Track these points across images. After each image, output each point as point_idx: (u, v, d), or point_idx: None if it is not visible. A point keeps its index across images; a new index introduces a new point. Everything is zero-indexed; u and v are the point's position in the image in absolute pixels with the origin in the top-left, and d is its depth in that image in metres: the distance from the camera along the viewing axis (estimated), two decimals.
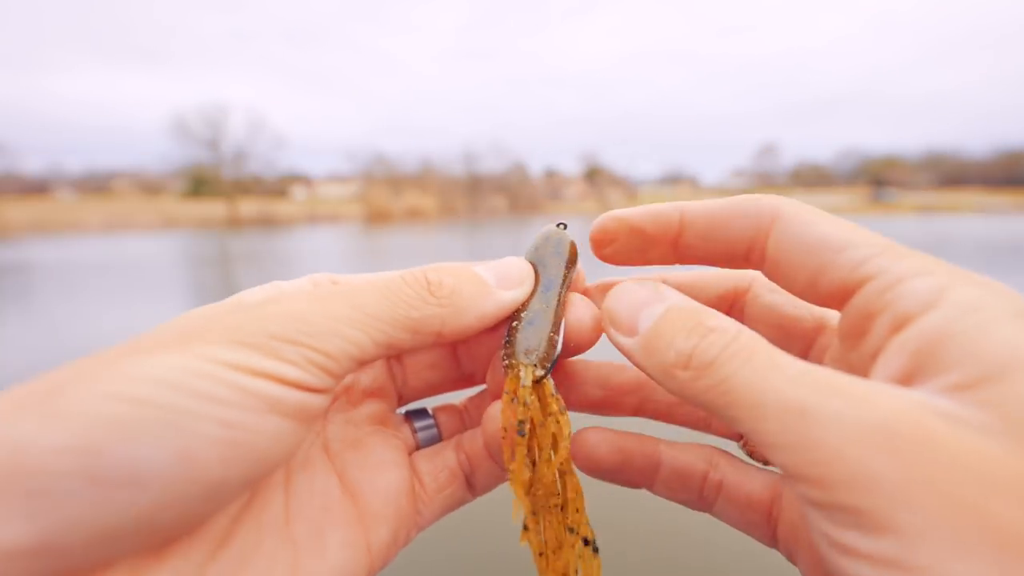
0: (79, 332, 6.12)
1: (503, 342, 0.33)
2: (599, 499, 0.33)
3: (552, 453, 0.32)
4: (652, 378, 0.28)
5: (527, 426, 0.30)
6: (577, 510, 0.32)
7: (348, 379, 0.35)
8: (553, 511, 0.32)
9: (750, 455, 0.36)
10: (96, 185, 57.79)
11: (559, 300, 0.33)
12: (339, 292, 0.29)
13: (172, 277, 11.25)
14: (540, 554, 0.33)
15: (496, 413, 0.32)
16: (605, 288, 0.37)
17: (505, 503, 0.33)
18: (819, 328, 0.34)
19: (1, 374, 4.65)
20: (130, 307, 7.63)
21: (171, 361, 0.23)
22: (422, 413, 0.38)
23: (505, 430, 0.31)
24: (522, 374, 0.31)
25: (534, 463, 0.32)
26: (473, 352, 0.38)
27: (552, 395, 0.31)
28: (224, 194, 43.32)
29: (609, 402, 0.37)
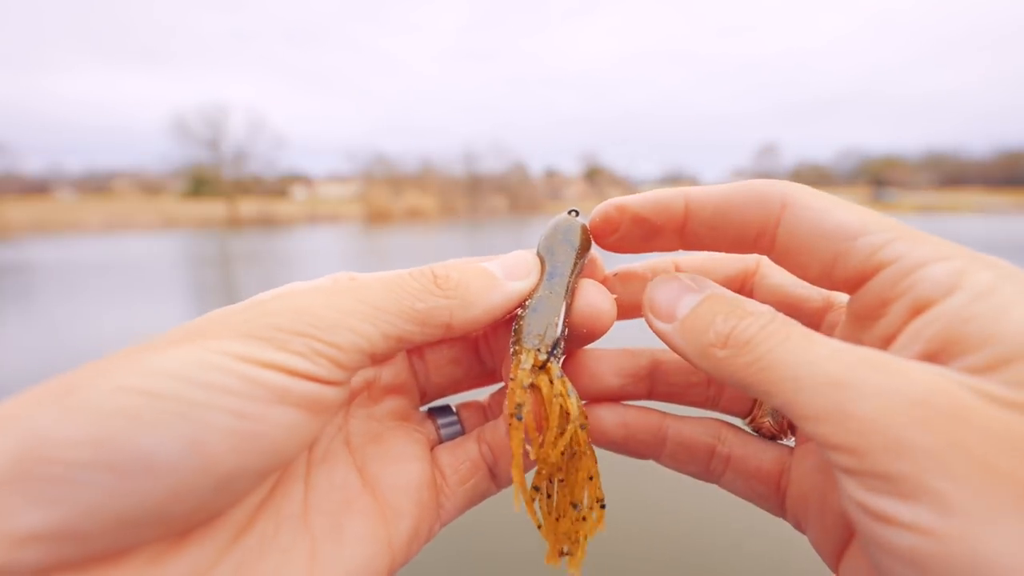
0: (80, 333, 6.12)
1: (511, 332, 0.33)
2: (609, 471, 0.34)
3: (561, 436, 0.31)
4: (687, 359, 0.29)
5: (525, 409, 0.30)
6: (590, 479, 0.32)
7: (369, 374, 0.35)
8: (560, 486, 0.33)
9: (757, 430, 0.36)
10: (96, 185, 57.78)
11: (567, 287, 0.33)
12: (346, 287, 0.29)
13: (172, 277, 11.24)
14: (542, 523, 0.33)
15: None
16: (625, 276, 0.37)
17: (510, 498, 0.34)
18: (827, 307, 0.35)
19: (3, 375, 4.65)
20: (131, 307, 7.63)
21: (182, 355, 0.23)
22: (446, 410, 0.38)
23: (509, 416, 0.31)
24: (523, 358, 0.31)
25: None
26: (493, 347, 0.38)
27: (557, 377, 0.31)
28: (224, 194, 43.30)
29: (626, 389, 0.37)
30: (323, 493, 0.30)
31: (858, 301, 0.27)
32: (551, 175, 63.95)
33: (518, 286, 0.33)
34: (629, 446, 0.36)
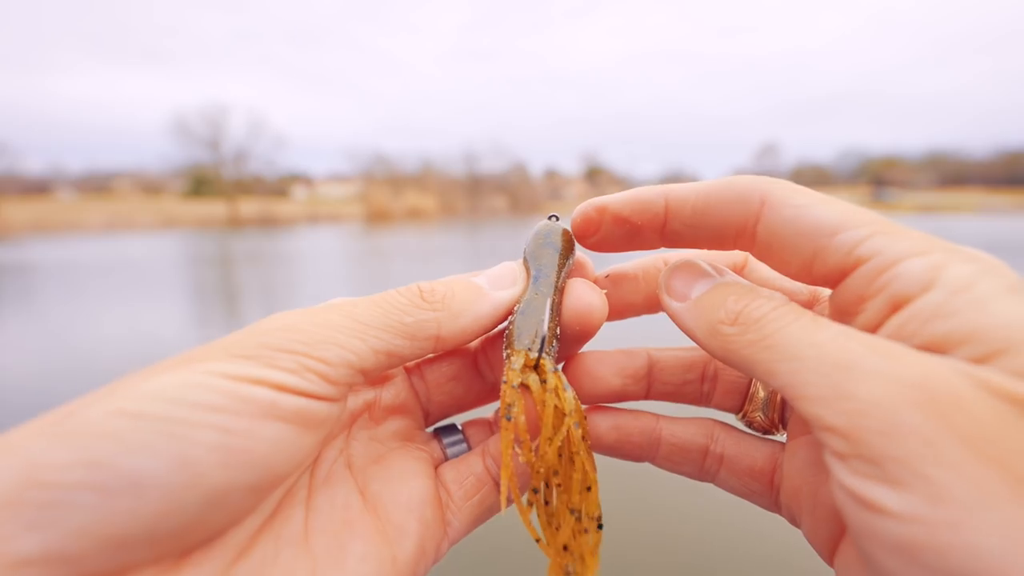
0: (80, 333, 6.13)
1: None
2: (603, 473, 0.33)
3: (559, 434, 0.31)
4: (695, 338, 0.29)
5: (515, 410, 0.30)
6: (588, 489, 0.31)
7: (369, 396, 0.35)
8: (558, 491, 0.32)
9: (749, 425, 0.37)
10: (97, 185, 57.79)
11: (555, 287, 0.33)
12: (335, 306, 0.29)
13: (173, 277, 11.25)
14: (540, 534, 0.32)
15: None
16: (616, 278, 0.38)
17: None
18: (813, 300, 0.35)
19: (3, 375, 4.65)
20: (132, 308, 7.63)
21: (171, 378, 0.24)
22: (451, 429, 0.38)
23: (501, 417, 0.31)
24: (513, 359, 0.31)
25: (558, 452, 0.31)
26: (492, 361, 0.38)
27: (551, 371, 0.31)
28: (225, 194, 43.34)
29: (627, 390, 0.37)
30: (324, 515, 0.29)
31: (839, 297, 0.27)
32: (551, 175, 63.98)
33: (504, 294, 0.34)
34: (624, 449, 0.36)
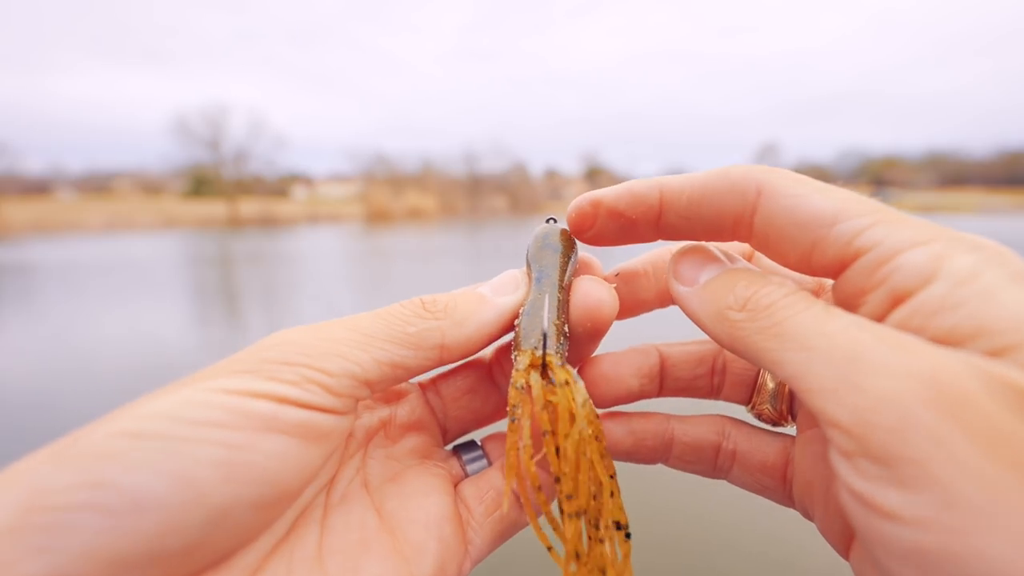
0: (81, 334, 6.13)
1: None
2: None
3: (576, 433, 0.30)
4: (701, 324, 0.29)
5: (518, 411, 0.29)
6: (612, 494, 0.30)
7: (384, 414, 0.35)
8: (584, 506, 0.30)
9: (759, 417, 0.36)
10: (97, 185, 57.79)
11: (558, 285, 0.33)
12: (337, 320, 0.29)
13: (173, 277, 11.25)
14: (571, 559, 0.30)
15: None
16: (627, 276, 0.37)
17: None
18: (819, 289, 0.35)
19: (5, 376, 4.65)
20: (132, 308, 7.64)
21: (173, 397, 0.24)
22: (471, 445, 0.37)
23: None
24: (518, 360, 0.30)
25: (557, 450, 0.30)
26: (507, 371, 0.37)
27: (559, 366, 0.30)
28: (225, 194, 43.33)
29: (644, 390, 0.37)
30: (339, 535, 0.29)
31: (840, 289, 0.26)
32: (551, 175, 63.95)
33: (507, 300, 0.33)
34: (640, 454, 0.36)
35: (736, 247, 0.36)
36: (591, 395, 0.32)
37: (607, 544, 0.30)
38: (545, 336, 0.30)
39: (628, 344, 0.38)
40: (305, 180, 63.60)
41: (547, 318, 0.31)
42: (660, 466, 0.37)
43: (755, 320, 0.25)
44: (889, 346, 0.21)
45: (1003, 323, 0.20)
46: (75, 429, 0.22)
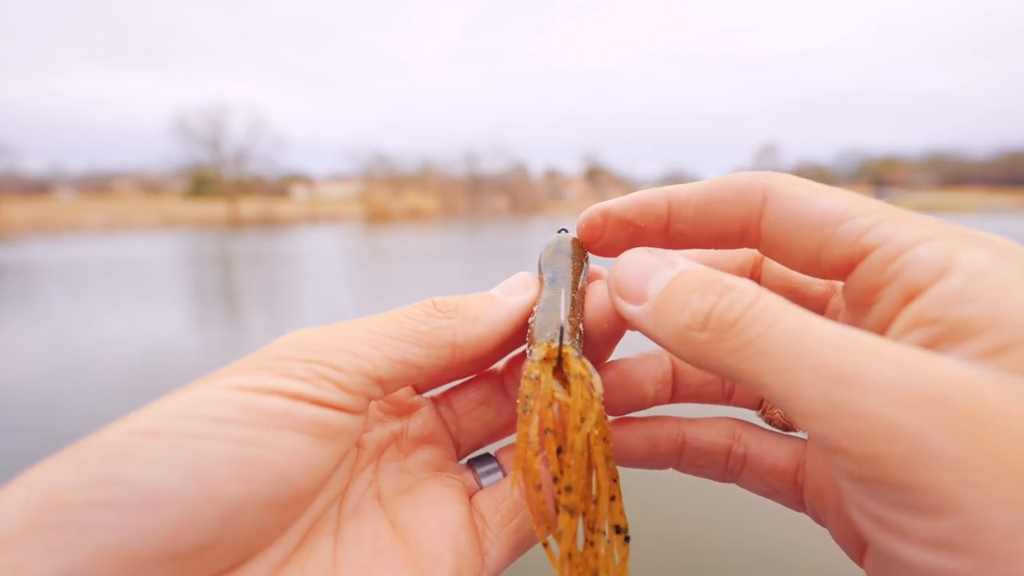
0: (81, 334, 6.13)
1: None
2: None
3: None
4: (665, 347, 0.26)
5: (531, 402, 0.28)
6: (613, 498, 0.29)
7: (396, 427, 0.35)
8: (585, 503, 0.29)
9: (770, 422, 0.36)
10: (97, 185, 57.81)
11: (571, 285, 0.33)
12: (349, 321, 0.30)
13: (174, 277, 11.26)
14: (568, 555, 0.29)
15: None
16: None
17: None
18: (831, 291, 0.34)
19: (6, 377, 4.66)
20: (133, 308, 7.64)
21: (187, 395, 0.24)
22: (485, 458, 0.37)
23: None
24: (533, 352, 0.30)
25: (559, 449, 0.29)
26: (520, 379, 0.36)
27: (575, 357, 0.29)
28: (225, 194, 43.37)
29: (658, 396, 0.36)
30: (353, 545, 0.29)
31: (850, 288, 0.26)
32: (552, 175, 63.99)
33: (517, 299, 0.33)
34: (654, 460, 0.35)
35: (746, 255, 0.36)
36: (606, 402, 0.32)
37: (600, 547, 0.29)
38: (562, 329, 0.30)
39: (625, 346, 0.36)
40: (305, 180, 63.65)
41: (563, 312, 0.31)
42: (668, 469, 0.36)
43: (722, 340, 0.23)
44: (882, 360, 0.20)
45: (1013, 319, 0.20)
46: (75, 429, 0.21)
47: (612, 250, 0.34)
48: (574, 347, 0.30)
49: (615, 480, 0.29)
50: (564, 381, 0.29)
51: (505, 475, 0.36)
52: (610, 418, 0.33)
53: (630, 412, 0.36)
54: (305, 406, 0.25)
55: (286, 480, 0.24)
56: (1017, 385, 0.19)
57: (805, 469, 0.32)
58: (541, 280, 0.35)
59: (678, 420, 0.35)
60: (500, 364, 0.37)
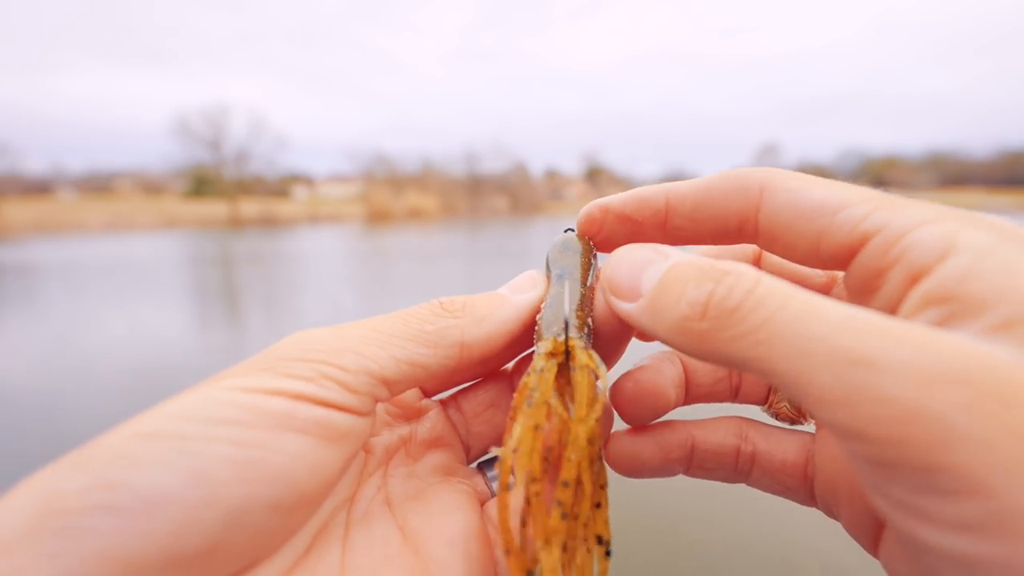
0: (82, 335, 6.14)
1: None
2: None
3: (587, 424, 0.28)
4: (666, 342, 0.26)
5: (536, 395, 0.27)
6: (597, 506, 0.28)
7: (404, 431, 0.35)
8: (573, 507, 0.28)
9: (776, 416, 0.35)
10: (98, 185, 57.84)
11: (582, 282, 0.33)
12: (356, 321, 0.29)
13: (175, 277, 11.27)
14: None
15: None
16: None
17: None
18: (831, 282, 0.34)
19: (7, 377, 4.66)
20: (133, 308, 7.65)
21: (189, 397, 0.24)
22: (495, 462, 0.36)
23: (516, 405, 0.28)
24: (539, 347, 0.29)
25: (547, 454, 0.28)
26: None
27: (582, 348, 0.29)
28: (226, 194, 43.37)
29: (677, 399, 0.35)
30: (361, 552, 0.28)
31: (852, 276, 0.26)
32: (552, 175, 63.99)
33: (525, 297, 0.33)
34: (668, 467, 0.34)
35: (737, 252, 0.36)
36: (630, 412, 0.32)
37: (578, 555, 0.28)
38: (567, 322, 0.29)
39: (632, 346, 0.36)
40: (306, 180, 63.67)
41: (568, 305, 0.30)
42: (688, 476, 0.36)
43: (726, 328, 0.22)
44: (897, 342, 0.19)
45: (1022, 293, 0.19)
46: (77, 430, 0.24)
47: (611, 245, 0.34)
48: (585, 341, 0.30)
49: (603, 487, 0.28)
50: (568, 381, 0.29)
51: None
52: (622, 427, 0.32)
53: (655, 420, 0.35)
54: (308, 407, 0.25)
55: (289, 482, 0.24)
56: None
57: (815, 462, 0.32)
58: (549, 278, 0.34)
59: (685, 424, 0.35)
60: (509, 366, 0.37)
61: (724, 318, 0.23)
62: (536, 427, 0.27)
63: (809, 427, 0.35)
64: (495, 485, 0.34)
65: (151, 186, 55.95)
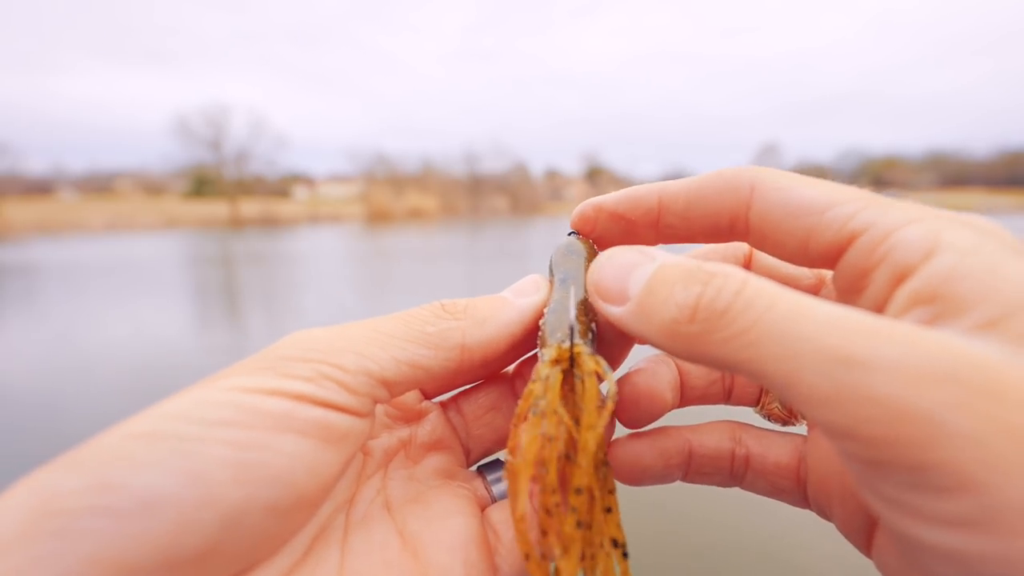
0: (83, 335, 6.14)
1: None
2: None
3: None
4: (655, 345, 0.26)
5: (542, 403, 0.27)
6: (609, 510, 0.28)
7: (404, 434, 0.34)
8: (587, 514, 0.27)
9: (768, 417, 0.35)
10: (99, 185, 57.91)
11: (583, 286, 0.32)
12: (357, 322, 0.29)
13: (175, 278, 11.27)
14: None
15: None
16: None
17: None
18: (820, 283, 0.34)
19: (8, 378, 4.67)
20: (134, 308, 7.65)
21: (187, 397, 0.24)
22: (496, 465, 0.36)
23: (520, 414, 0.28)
24: (544, 354, 0.29)
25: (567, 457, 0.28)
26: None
27: (588, 354, 0.28)
28: (226, 194, 43.45)
29: (673, 402, 0.35)
30: (361, 556, 0.28)
31: (840, 275, 0.26)
32: (552, 175, 64.03)
33: (528, 301, 0.33)
34: (668, 474, 0.34)
35: (737, 250, 0.36)
36: (627, 417, 0.33)
37: (600, 561, 0.28)
38: (572, 329, 0.29)
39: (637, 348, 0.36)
40: (306, 180, 63.70)
41: (573, 311, 0.30)
42: (685, 482, 0.35)
43: (715, 331, 0.22)
44: (886, 341, 0.19)
45: (1006, 292, 0.20)
46: (77, 430, 0.25)
47: (604, 244, 0.34)
48: (590, 345, 0.29)
49: (612, 492, 0.29)
50: (572, 388, 0.28)
51: None
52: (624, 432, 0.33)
53: (651, 424, 0.35)
54: (307, 407, 0.25)
55: (288, 484, 0.24)
56: (1020, 357, 0.19)
57: (807, 463, 0.32)
58: (552, 283, 0.34)
59: (680, 429, 0.35)
60: (510, 369, 0.37)
61: (714, 320, 0.23)
62: (548, 437, 0.27)
63: (801, 428, 0.35)
64: (495, 489, 0.34)
65: (151, 186, 55.99)
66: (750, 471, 0.34)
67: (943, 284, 0.21)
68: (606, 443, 0.28)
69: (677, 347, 0.24)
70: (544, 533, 0.27)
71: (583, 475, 0.27)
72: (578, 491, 0.27)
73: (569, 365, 0.28)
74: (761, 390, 0.37)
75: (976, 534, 0.18)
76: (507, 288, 0.34)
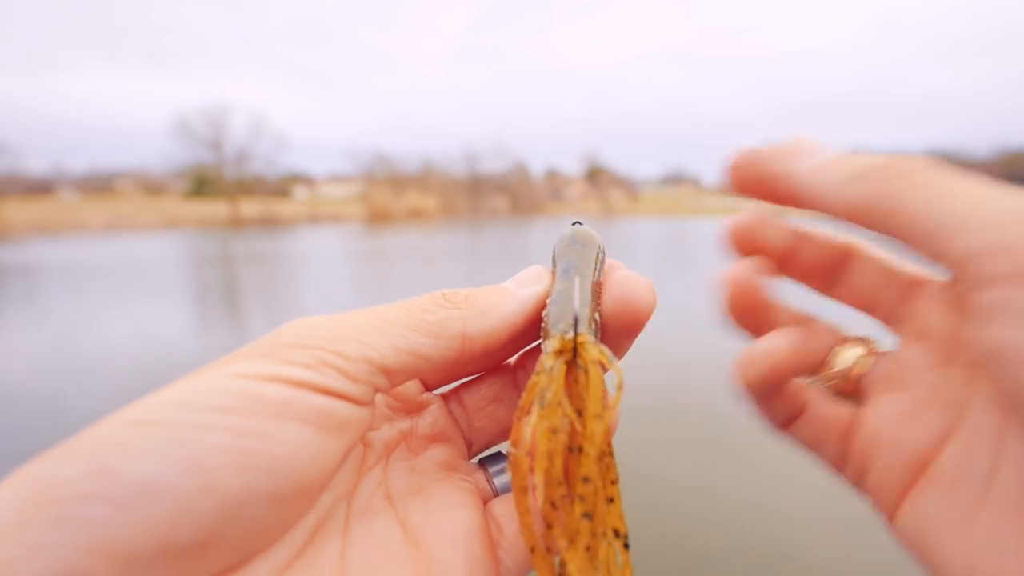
0: (84, 334, 6.14)
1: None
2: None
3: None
4: (824, 194, 0.27)
5: (548, 395, 0.27)
6: (611, 500, 0.28)
7: (404, 426, 0.34)
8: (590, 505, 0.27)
9: (829, 388, 0.34)
10: (99, 185, 57.95)
11: (590, 277, 0.32)
12: (358, 310, 0.29)
13: (176, 277, 11.27)
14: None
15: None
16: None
17: None
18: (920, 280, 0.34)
19: (9, 378, 4.66)
20: (134, 308, 7.65)
21: (186, 384, 0.24)
22: (498, 457, 0.36)
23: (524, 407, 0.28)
24: (547, 346, 0.29)
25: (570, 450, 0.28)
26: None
27: (593, 344, 0.28)
28: (226, 194, 43.45)
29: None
30: (362, 547, 0.28)
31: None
32: (552, 175, 64.04)
33: (530, 291, 0.33)
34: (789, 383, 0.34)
35: (843, 239, 0.35)
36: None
37: (601, 551, 0.28)
38: (576, 319, 0.29)
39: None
40: (306, 180, 63.74)
41: (578, 300, 0.30)
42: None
43: (898, 178, 0.24)
44: None
45: None
46: (77, 430, 0.22)
47: (746, 248, 0.34)
48: (594, 335, 0.29)
49: (614, 482, 0.29)
50: (576, 379, 0.28)
51: None
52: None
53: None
54: (307, 394, 0.24)
55: (287, 472, 0.23)
56: None
57: (866, 418, 0.31)
58: (554, 273, 0.34)
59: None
60: (512, 360, 0.37)
61: (904, 176, 0.25)
62: (553, 430, 0.27)
63: (855, 405, 0.33)
64: (497, 481, 0.34)
65: (152, 186, 56.02)
66: (804, 416, 0.34)
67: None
68: (611, 433, 0.29)
69: (855, 186, 0.26)
70: (549, 526, 0.27)
71: (590, 464, 0.27)
72: (585, 480, 0.27)
73: (573, 356, 0.28)
74: (821, 363, 0.35)
75: None
76: (510, 278, 0.34)
